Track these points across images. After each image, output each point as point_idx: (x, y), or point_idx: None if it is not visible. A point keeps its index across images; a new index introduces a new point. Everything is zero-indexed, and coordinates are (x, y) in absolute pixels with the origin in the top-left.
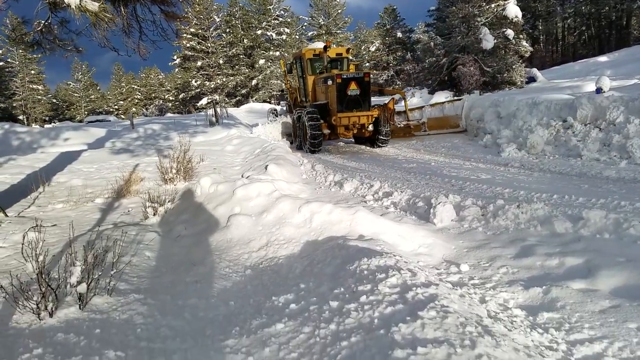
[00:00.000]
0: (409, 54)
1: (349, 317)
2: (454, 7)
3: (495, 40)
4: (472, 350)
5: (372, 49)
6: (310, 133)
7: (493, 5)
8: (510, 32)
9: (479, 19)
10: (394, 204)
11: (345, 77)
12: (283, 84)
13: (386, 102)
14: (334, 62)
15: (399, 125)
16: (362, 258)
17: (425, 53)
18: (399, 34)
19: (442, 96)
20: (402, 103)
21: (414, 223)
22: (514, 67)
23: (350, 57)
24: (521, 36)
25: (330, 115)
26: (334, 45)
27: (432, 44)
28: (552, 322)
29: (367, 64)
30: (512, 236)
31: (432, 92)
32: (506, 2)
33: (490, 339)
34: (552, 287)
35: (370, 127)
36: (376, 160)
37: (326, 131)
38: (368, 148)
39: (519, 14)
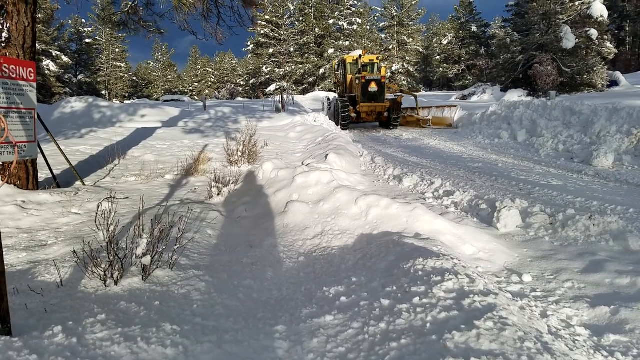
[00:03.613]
0: (482, 49)
1: (400, 318)
2: (535, 3)
3: (577, 40)
4: None
5: (445, 42)
6: (341, 115)
7: (577, 3)
8: (593, 32)
9: (560, 17)
10: (455, 204)
11: (367, 78)
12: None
13: (396, 97)
14: (367, 65)
15: (404, 116)
16: (417, 257)
17: (500, 49)
18: (474, 28)
19: (514, 95)
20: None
21: (475, 226)
22: (595, 69)
23: (380, 63)
24: (605, 37)
25: (356, 104)
26: (369, 54)
27: (508, 40)
28: (618, 346)
29: (438, 57)
30: (581, 249)
31: (504, 90)
32: (592, 0)
33: (550, 358)
34: (621, 307)
35: (386, 114)
36: (439, 156)
37: (353, 115)
38: (431, 143)
39: (605, 13)
